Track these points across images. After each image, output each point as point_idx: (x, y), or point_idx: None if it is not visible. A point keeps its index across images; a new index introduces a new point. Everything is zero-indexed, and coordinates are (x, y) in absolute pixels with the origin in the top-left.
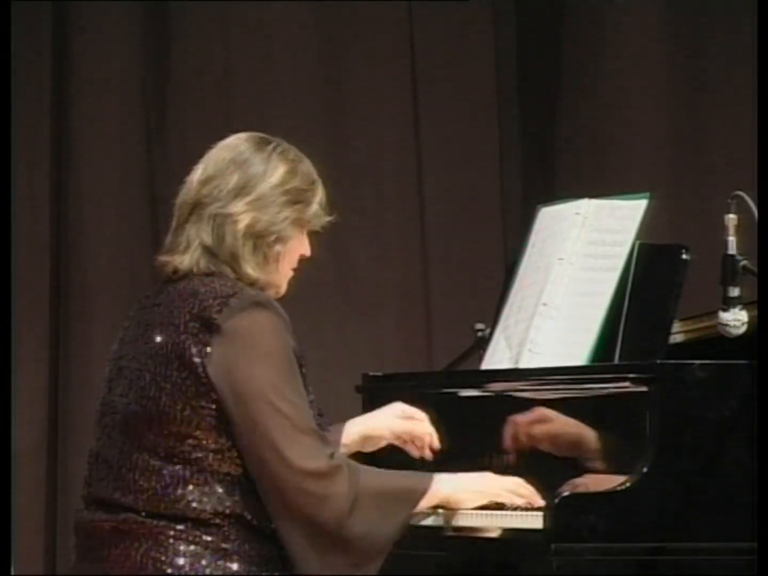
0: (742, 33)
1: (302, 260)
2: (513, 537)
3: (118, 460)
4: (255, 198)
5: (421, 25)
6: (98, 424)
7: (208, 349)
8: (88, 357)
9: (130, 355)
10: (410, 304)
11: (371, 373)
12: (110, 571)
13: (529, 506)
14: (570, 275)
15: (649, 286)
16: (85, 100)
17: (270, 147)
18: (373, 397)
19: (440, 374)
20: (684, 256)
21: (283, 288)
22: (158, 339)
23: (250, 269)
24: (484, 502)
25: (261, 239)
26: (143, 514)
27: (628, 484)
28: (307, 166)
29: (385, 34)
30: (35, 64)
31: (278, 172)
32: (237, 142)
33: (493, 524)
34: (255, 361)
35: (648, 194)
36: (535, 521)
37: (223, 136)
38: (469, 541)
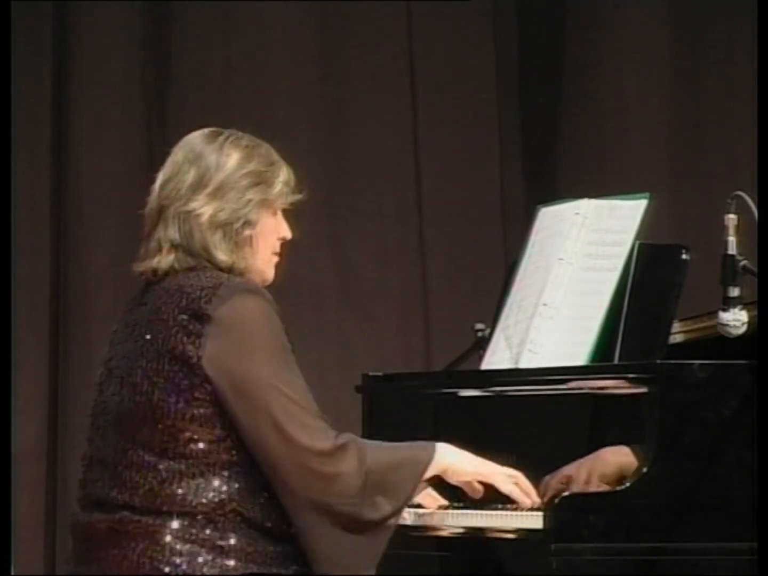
0: (742, 33)
1: (284, 244)
2: (513, 537)
3: (113, 459)
4: (214, 188)
5: (420, 25)
6: (91, 427)
7: (201, 340)
8: (88, 357)
9: (120, 356)
10: (410, 305)
11: (371, 373)
12: (108, 572)
13: (523, 506)
14: (570, 275)
15: (649, 286)
16: (85, 100)
17: (221, 138)
18: (373, 397)
19: (440, 374)
20: (684, 256)
21: (269, 274)
22: (148, 336)
23: (225, 257)
24: (480, 477)
25: (228, 227)
26: (139, 511)
27: (628, 484)
28: (264, 150)
29: (385, 34)
30: (35, 64)
31: (232, 158)
32: (189, 140)
33: (493, 524)
34: (251, 349)
35: (648, 194)
36: (535, 521)
37: None
38: (469, 541)
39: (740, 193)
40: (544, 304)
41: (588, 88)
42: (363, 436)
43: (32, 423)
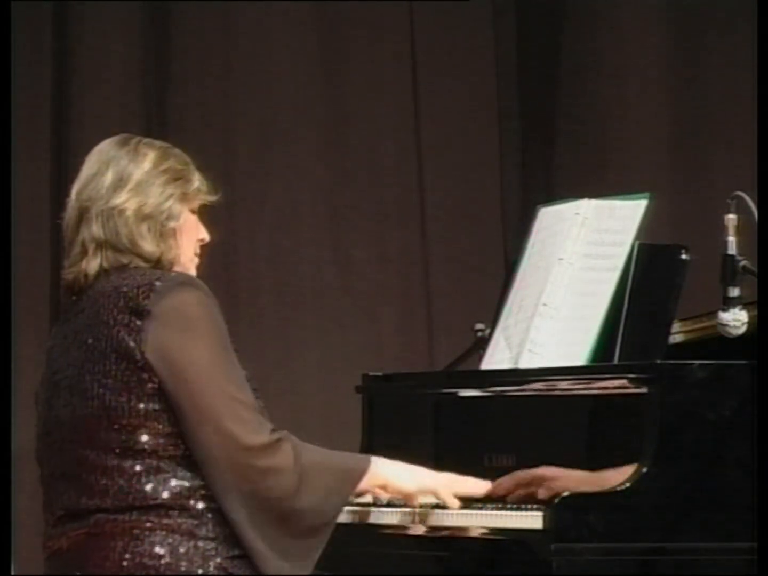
0: (742, 33)
1: (204, 246)
2: (513, 537)
3: (76, 468)
4: (135, 184)
5: (421, 24)
6: (45, 445)
7: (142, 335)
8: None
9: (65, 366)
10: (410, 305)
11: (371, 373)
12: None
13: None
14: (570, 275)
15: (649, 286)
16: (85, 100)
17: (134, 141)
18: (373, 397)
19: (440, 374)
20: (683, 256)
21: (192, 272)
22: (90, 340)
23: (152, 248)
24: (420, 491)
25: (152, 219)
26: (113, 511)
27: (628, 484)
28: (178, 152)
29: (386, 33)
30: (35, 64)
31: (149, 157)
32: (100, 147)
33: (493, 524)
34: (190, 341)
35: (648, 194)
36: (535, 521)
37: (223, 136)
38: (470, 541)
39: (740, 193)
40: (544, 304)
41: (588, 88)
42: (363, 436)
43: (32, 423)
